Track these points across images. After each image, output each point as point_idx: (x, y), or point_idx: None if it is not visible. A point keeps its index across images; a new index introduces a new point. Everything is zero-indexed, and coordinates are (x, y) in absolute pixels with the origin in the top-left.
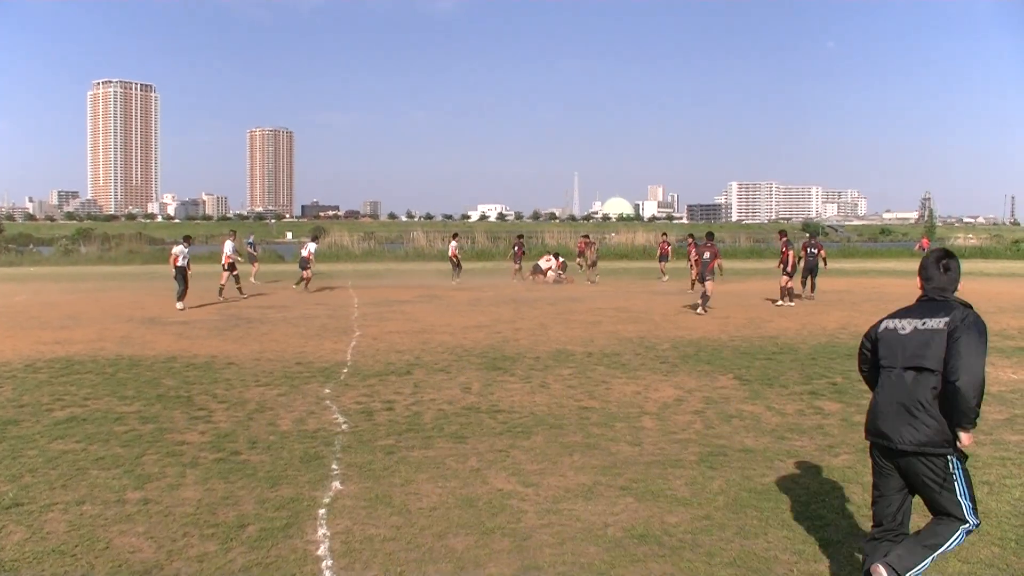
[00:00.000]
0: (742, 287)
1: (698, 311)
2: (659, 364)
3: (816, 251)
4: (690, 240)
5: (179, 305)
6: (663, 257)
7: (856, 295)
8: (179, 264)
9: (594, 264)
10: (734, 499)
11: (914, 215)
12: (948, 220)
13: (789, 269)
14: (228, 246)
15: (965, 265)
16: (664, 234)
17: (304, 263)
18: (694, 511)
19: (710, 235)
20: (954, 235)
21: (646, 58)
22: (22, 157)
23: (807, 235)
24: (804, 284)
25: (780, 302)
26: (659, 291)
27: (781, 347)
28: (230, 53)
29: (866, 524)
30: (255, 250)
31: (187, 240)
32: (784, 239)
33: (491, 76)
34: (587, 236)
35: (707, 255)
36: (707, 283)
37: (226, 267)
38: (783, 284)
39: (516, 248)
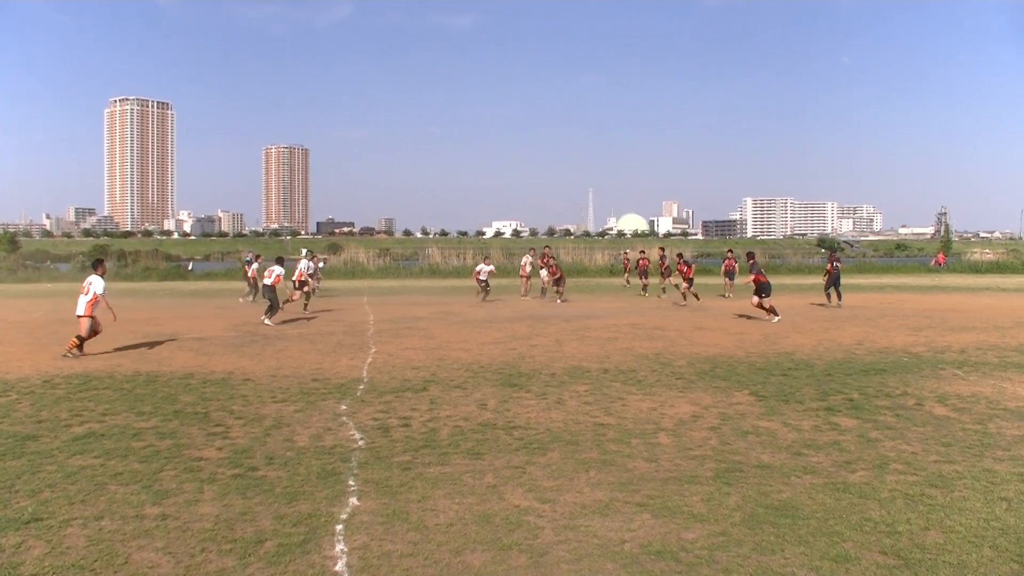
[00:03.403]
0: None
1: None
2: (675, 380)
3: (839, 264)
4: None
5: (267, 321)
6: (728, 273)
7: (872, 310)
8: (303, 279)
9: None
10: (751, 515)
11: (930, 230)
12: (964, 235)
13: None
14: (304, 264)
15: (982, 280)
16: (730, 250)
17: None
18: (711, 527)
19: (833, 249)
20: (970, 250)
21: (660, 74)
22: (39, 174)
23: (830, 251)
24: (828, 296)
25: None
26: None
27: (797, 363)
28: (246, 70)
29: (883, 540)
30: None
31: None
32: (833, 255)
33: (506, 92)
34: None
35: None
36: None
37: (297, 284)
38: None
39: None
